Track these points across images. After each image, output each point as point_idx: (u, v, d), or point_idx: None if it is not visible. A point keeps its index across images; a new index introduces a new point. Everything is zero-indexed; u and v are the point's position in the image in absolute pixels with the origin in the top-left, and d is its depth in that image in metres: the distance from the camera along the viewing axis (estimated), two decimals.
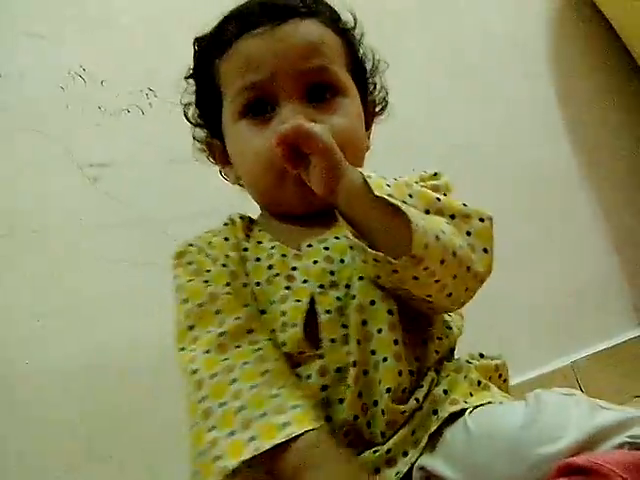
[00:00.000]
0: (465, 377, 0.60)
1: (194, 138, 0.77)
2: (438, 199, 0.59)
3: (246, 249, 0.66)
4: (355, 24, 0.75)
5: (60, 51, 1.04)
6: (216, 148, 0.75)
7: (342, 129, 0.64)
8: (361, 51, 0.75)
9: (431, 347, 0.62)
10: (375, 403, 0.56)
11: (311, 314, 0.59)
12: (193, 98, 0.76)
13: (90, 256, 0.97)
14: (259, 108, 0.66)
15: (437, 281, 0.56)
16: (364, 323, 0.58)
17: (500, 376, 0.66)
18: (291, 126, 0.55)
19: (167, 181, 1.05)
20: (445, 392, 0.58)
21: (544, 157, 1.52)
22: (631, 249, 1.58)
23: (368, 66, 0.77)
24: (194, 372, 0.57)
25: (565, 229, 1.50)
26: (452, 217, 0.59)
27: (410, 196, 0.57)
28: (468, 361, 0.63)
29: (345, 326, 0.59)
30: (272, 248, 0.65)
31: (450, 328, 0.65)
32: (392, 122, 1.33)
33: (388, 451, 0.55)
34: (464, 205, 0.60)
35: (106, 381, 0.92)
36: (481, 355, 0.66)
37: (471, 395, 0.58)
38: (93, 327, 0.94)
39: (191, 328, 0.60)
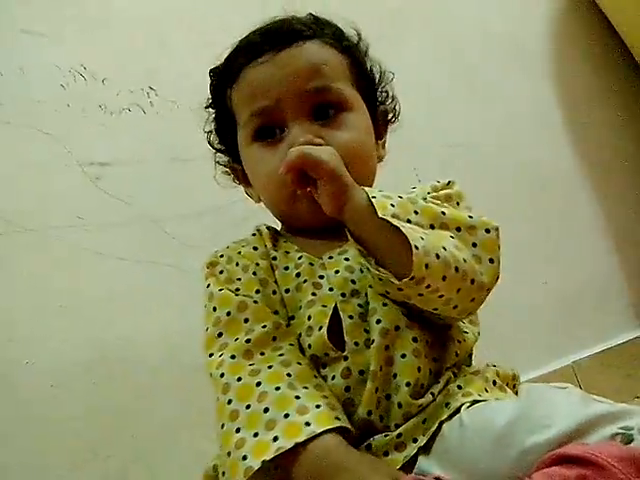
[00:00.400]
0: (481, 376, 0.62)
1: (218, 163, 0.81)
2: (443, 213, 0.61)
3: (275, 258, 0.69)
4: (359, 39, 0.77)
5: (61, 50, 1.04)
6: (238, 171, 0.79)
7: (348, 143, 0.67)
8: (368, 64, 0.78)
9: (451, 348, 0.64)
10: (388, 397, 0.58)
11: (335, 320, 0.62)
12: (214, 126, 0.80)
13: (91, 255, 0.97)
14: (269, 132, 0.69)
15: (441, 296, 0.58)
16: (378, 322, 0.60)
17: (514, 386, 0.67)
18: (297, 153, 0.59)
19: (168, 180, 1.05)
20: (459, 387, 0.60)
21: (544, 157, 1.53)
22: (631, 249, 1.58)
23: (376, 78, 0.79)
24: (221, 376, 0.59)
25: (565, 229, 1.50)
26: (458, 230, 0.61)
27: (415, 212, 0.59)
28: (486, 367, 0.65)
29: (367, 331, 0.61)
30: (300, 258, 0.68)
31: (466, 332, 0.67)
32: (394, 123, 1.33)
33: (399, 435, 0.56)
34: (470, 217, 0.62)
35: (107, 379, 0.93)
36: (494, 366, 0.67)
37: (486, 391, 0.59)
38: (94, 325, 0.94)
39: (220, 335, 0.62)
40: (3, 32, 1.01)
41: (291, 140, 0.66)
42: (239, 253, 0.69)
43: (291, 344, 0.61)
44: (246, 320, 0.62)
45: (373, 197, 0.58)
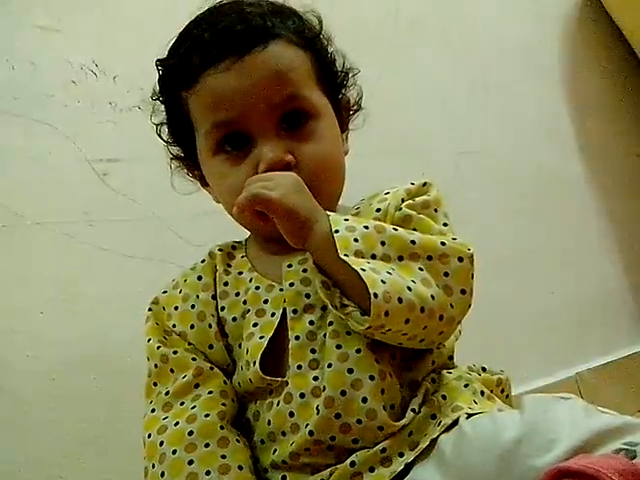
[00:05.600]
0: (466, 386, 0.61)
1: (171, 158, 0.77)
2: (413, 242, 0.58)
3: (227, 283, 0.68)
4: (321, 27, 0.72)
5: (73, 46, 1.04)
6: (194, 170, 0.75)
7: (318, 156, 0.65)
8: (330, 53, 0.74)
9: (428, 357, 0.62)
10: (359, 422, 0.56)
11: (281, 339, 0.61)
12: (163, 117, 0.76)
13: (96, 250, 0.97)
14: (233, 144, 0.66)
15: (405, 334, 0.56)
16: (339, 347, 0.58)
17: (502, 391, 0.66)
18: (246, 196, 0.57)
19: (175, 178, 1.05)
20: (444, 397, 0.58)
21: (555, 165, 1.52)
22: (639, 262, 1.57)
23: (338, 67, 0.75)
24: (144, 428, 0.62)
25: (574, 239, 1.49)
26: (429, 258, 0.58)
27: (382, 243, 0.58)
28: (468, 373, 0.64)
29: (314, 351, 0.59)
30: (250, 280, 0.67)
31: None
32: (405, 127, 1.33)
33: (383, 450, 0.55)
34: (442, 243, 0.59)
35: (107, 375, 0.93)
36: (483, 369, 0.67)
37: (475, 403, 0.58)
38: (96, 321, 0.94)
39: (155, 385, 0.65)
40: (16, 26, 1.01)
41: (258, 156, 0.64)
42: (185, 280, 0.70)
43: (210, 391, 0.62)
44: (172, 370, 0.64)
45: (336, 231, 0.56)
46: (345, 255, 0.54)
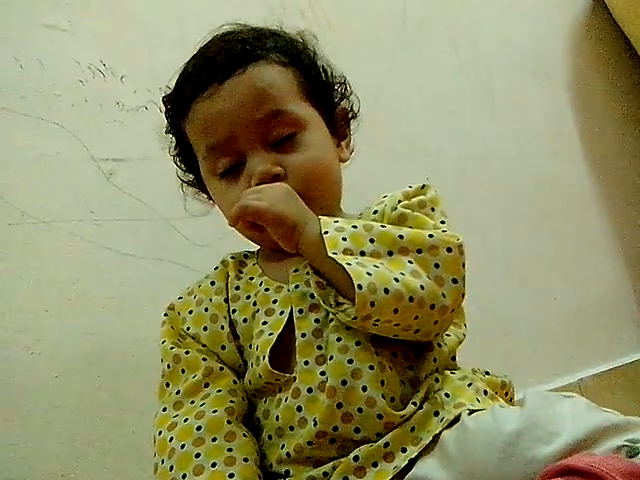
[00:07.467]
0: (470, 385, 0.61)
1: (188, 184, 0.82)
2: (401, 237, 0.60)
3: (238, 287, 0.70)
4: (305, 44, 0.75)
5: (81, 45, 1.05)
6: (207, 193, 0.80)
7: (306, 163, 0.68)
8: (318, 67, 0.76)
9: (428, 356, 0.63)
10: (360, 410, 0.57)
11: (288, 338, 0.63)
12: (176, 151, 0.80)
13: (101, 249, 0.97)
14: (228, 164, 0.70)
15: (397, 324, 0.58)
16: (339, 340, 0.60)
17: (506, 394, 0.67)
18: (236, 208, 0.61)
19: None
20: (447, 395, 0.59)
21: (559, 172, 1.53)
22: None
23: (329, 79, 0.77)
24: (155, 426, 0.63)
25: (576, 246, 1.49)
26: (419, 252, 0.60)
27: (371, 241, 0.60)
28: (473, 374, 0.64)
29: (320, 347, 0.61)
30: (261, 284, 0.69)
31: (448, 335, 0.67)
32: (410, 131, 1.34)
33: (386, 445, 0.56)
34: (430, 236, 0.61)
35: (110, 373, 0.93)
36: (486, 373, 0.67)
37: (478, 401, 0.59)
38: (100, 320, 0.94)
39: (167, 385, 0.67)
40: (25, 25, 1.02)
41: (249, 171, 0.67)
42: (199, 286, 0.73)
43: (219, 390, 0.63)
44: (183, 370, 0.66)
45: (325, 232, 0.59)
46: (334, 253, 0.57)
